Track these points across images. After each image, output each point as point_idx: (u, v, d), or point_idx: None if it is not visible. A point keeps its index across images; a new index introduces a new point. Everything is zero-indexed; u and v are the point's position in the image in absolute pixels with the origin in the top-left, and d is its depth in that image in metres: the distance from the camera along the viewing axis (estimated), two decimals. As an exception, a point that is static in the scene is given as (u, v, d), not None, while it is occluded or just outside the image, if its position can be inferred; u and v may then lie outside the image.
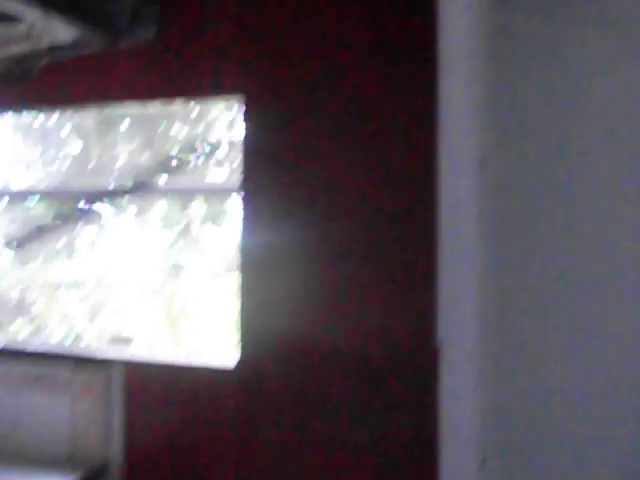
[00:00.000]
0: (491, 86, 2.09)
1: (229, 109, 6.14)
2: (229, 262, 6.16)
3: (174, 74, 2.90)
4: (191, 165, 6.41)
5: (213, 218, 6.37)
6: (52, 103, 3.26)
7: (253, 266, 2.36)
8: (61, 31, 2.58)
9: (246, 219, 2.42)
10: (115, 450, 2.57)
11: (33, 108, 3.47)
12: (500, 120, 2.13)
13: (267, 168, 2.44)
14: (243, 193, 2.44)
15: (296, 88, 2.49)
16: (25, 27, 2.58)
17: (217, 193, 3.89)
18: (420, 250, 2.18)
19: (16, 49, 2.72)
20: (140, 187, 3.70)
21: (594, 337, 2.17)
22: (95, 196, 3.94)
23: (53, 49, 2.66)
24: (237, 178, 2.79)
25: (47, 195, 4.12)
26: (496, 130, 2.11)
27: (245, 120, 2.57)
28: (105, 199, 5.86)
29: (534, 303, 2.19)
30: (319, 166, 2.37)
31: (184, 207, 6.22)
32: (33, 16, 2.46)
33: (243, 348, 2.32)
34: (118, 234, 6.24)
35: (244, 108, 2.59)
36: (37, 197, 4.41)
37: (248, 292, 2.36)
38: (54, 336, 5.71)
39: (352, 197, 2.31)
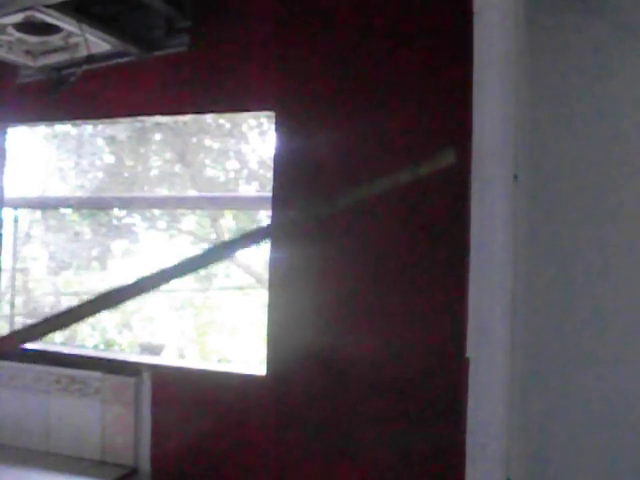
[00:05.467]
0: (526, 96, 2.07)
1: (260, 125, 6.22)
2: (258, 276, 6.22)
3: (206, 87, 2.93)
4: (222, 179, 6.49)
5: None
6: (86, 114, 3.32)
7: (282, 279, 2.37)
8: (96, 42, 2.64)
9: (274, 233, 2.43)
10: (144, 455, 2.59)
11: (67, 119, 3.53)
12: (535, 130, 2.11)
13: (297, 183, 2.45)
14: (272, 207, 2.46)
15: (326, 105, 2.50)
16: (62, 38, 2.65)
17: (248, 205, 3.93)
18: (450, 265, 2.17)
19: (55, 59, 2.79)
20: (172, 198, 3.78)
21: (629, 353, 2.12)
22: (128, 206, 4.00)
23: (89, 59, 2.72)
24: (264, 194, 2.81)
25: (81, 204, 4.20)
26: (531, 141, 2.09)
27: (276, 136, 2.58)
28: (137, 210, 5.96)
29: (566, 319, 2.15)
30: (349, 182, 2.37)
31: (214, 221, 6.29)
32: (70, 27, 2.52)
33: (270, 359, 2.32)
34: (150, 245, 6.33)
35: (275, 124, 2.61)
36: (71, 206, 4.49)
37: (277, 305, 2.37)
38: (86, 343, 5.79)
39: (382, 214, 2.31)
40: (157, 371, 2.58)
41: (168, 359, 3.09)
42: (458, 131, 2.13)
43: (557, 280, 2.12)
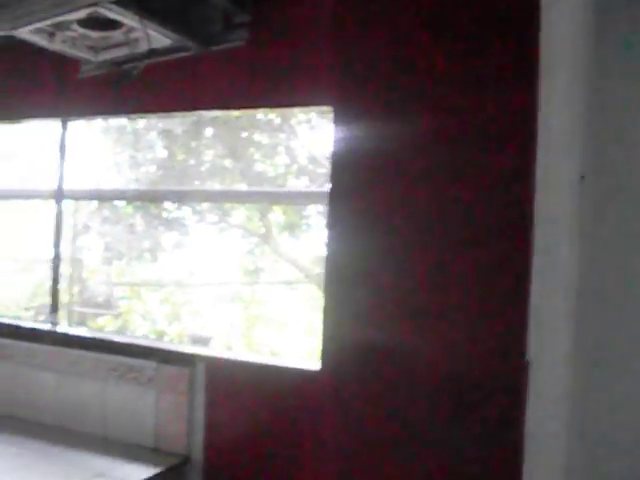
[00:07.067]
0: (593, 97, 2.02)
1: (309, 120, 6.24)
2: (306, 271, 6.26)
3: (263, 82, 2.94)
4: (271, 174, 6.54)
5: (290, 228, 6.48)
6: (144, 109, 3.37)
7: (339, 273, 2.36)
8: (157, 37, 2.68)
9: (332, 228, 2.43)
10: (197, 445, 2.62)
11: (126, 114, 3.59)
12: (601, 132, 2.06)
13: (355, 179, 2.44)
14: (329, 202, 2.45)
15: (387, 102, 2.49)
16: (124, 33, 2.69)
17: (301, 200, 3.95)
18: (513, 265, 2.13)
19: (115, 53, 2.84)
20: (222, 192, 3.83)
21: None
22: (180, 199, 4.06)
23: (150, 53, 2.76)
24: (315, 190, 2.81)
25: (136, 197, 4.28)
26: (597, 143, 2.04)
27: (334, 131, 2.58)
28: (188, 204, 6.05)
29: (633, 322, 2.09)
30: (409, 178, 2.35)
31: (263, 215, 6.35)
32: (132, 23, 2.56)
33: (325, 355, 2.32)
34: (199, 238, 6.43)
35: (334, 119, 2.61)
36: (126, 199, 4.58)
37: (333, 300, 2.36)
38: (138, 332, 5.93)
39: (442, 210, 2.28)
40: (211, 362, 2.61)
41: (222, 351, 3.12)
42: (526, 127, 2.09)
43: (623, 281, 2.06)
